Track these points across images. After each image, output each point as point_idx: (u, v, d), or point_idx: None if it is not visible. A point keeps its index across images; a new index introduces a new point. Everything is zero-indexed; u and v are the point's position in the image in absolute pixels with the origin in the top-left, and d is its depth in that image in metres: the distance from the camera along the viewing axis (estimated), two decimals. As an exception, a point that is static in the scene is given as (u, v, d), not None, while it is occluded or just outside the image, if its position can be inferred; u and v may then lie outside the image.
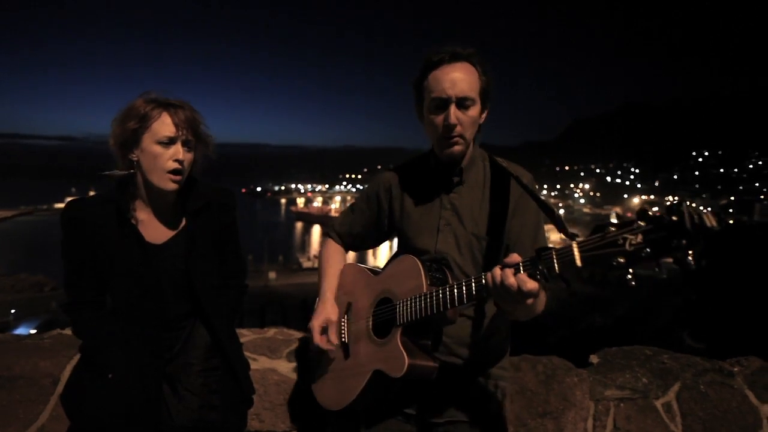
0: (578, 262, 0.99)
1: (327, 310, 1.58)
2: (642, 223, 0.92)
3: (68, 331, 2.24)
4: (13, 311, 32.32)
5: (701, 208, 0.91)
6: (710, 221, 0.87)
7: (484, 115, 1.44)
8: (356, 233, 1.71)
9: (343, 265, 1.71)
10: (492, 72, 1.40)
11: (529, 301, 1.13)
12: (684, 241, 0.88)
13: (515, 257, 1.13)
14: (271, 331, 2.43)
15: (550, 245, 1.12)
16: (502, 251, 1.44)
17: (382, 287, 1.50)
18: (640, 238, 0.92)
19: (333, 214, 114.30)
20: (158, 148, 1.35)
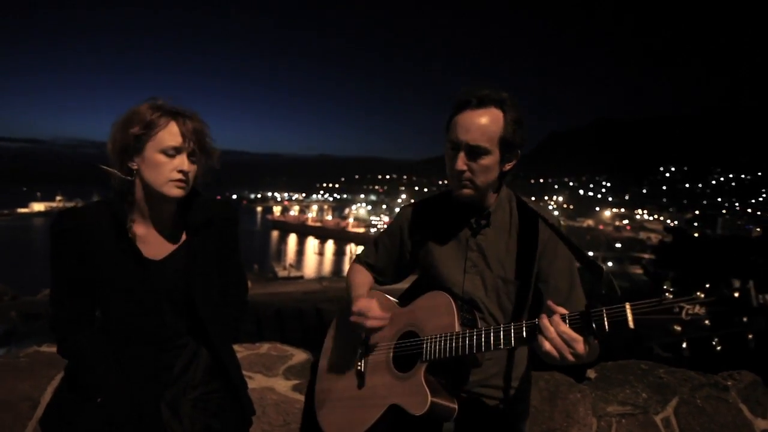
0: (630, 324, 1.00)
1: (362, 298, 1.51)
2: (701, 295, 0.94)
3: (46, 348, 2.09)
4: (-31, 322, 30.57)
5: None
6: None
7: (509, 165, 1.40)
8: (380, 268, 1.68)
9: (370, 282, 1.66)
10: (524, 120, 1.35)
11: (573, 357, 1.10)
12: (746, 319, 0.90)
13: (560, 309, 1.13)
14: (264, 347, 2.35)
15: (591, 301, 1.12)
16: (530, 295, 1.42)
17: (408, 320, 1.45)
18: (698, 309, 0.94)
19: (310, 222, 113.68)
20: (162, 158, 1.26)
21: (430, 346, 1.34)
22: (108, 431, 1.28)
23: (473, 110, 1.33)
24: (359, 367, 1.51)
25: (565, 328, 1.08)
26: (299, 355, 2.29)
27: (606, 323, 1.03)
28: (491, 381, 1.44)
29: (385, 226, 1.74)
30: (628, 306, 1.00)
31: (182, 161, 1.28)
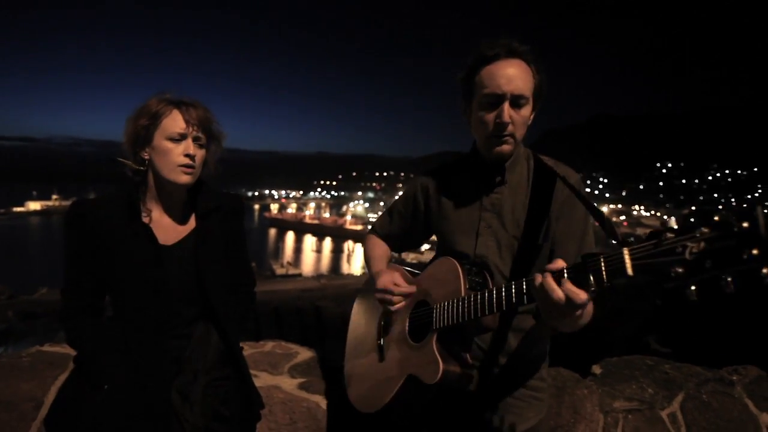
0: (629, 270, 0.89)
1: (384, 273, 1.51)
2: (706, 230, 0.80)
3: (48, 348, 2.07)
4: (-35, 321, 30.43)
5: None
6: None
7: (533, 116, 1.38)
8: (395, 236, 1.67)
9: (388, 254, 1.66)
10: (545, 72, 1.34)
11: (578, 312, 1.04)
12: (756, 252, 0.75)
13: (559, 263, 1.04)
14: (269, 345, 2.33)
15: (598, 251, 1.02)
16: (545, 256, 1.37)
17: (421, 289, 1.44)
18: (702, 245, 0.80)
19: (307, 220, 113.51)
20: (169, 144, 1.33)
21: (439, 314, 1.32)
22: (117, 419, 1.28)
23: (506, 60, 1.29)
24: (380, 341, 1.53)
25: (557, 284, 1.00)
26: (304, 353, 2.27)
27: (604, 272, 0.93)
28: (504, 348, 1.40)
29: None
30: (626, 251, 0.90)
31: (188, 146, 1.34)
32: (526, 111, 1.32)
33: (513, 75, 1.28)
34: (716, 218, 0.81)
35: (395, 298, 1.44)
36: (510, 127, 1.30)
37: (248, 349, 2.22)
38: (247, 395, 1.49)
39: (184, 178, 1.35)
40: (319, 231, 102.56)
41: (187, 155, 1.33)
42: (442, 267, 1.39)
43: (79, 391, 1.34)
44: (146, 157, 1.35)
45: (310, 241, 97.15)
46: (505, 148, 1.34)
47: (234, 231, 1.53)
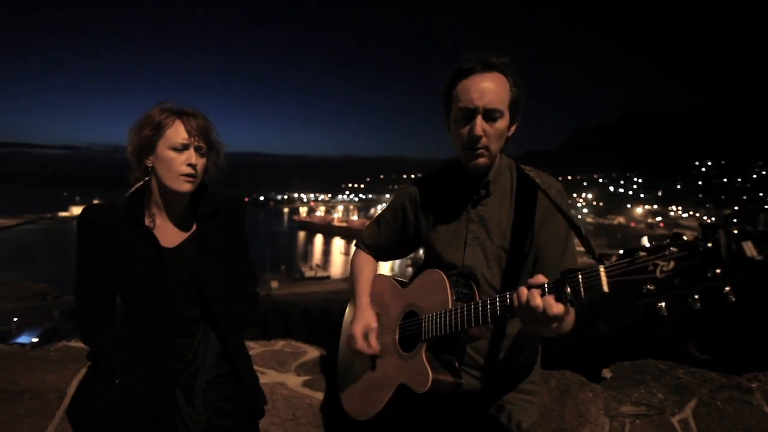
0: (605, 288, 0.94)
1: (366, 316, 1.57)
2: (675, 249, 0.84)
3: (74, 343, 2.21)
4: (15, 320, 32.31)
5: (746, 244, 0.78)
6: (751, 251, 0.77)
7: (513, 128, 1.40)
8: (383, 245, 1.70)
9: (374, 273, 1.70)
10: (524, 84, 1.36)
11: (554, 324, 1.09)
12: (719, 271, 0.78)
13: (540, 278, 1.09)
14: (279, 344, 2.40)
15: (578, 266, 1.06)
16: (530, 265, 1.40)
17: (409, 300, 1.49)
18: (672, 264, 0.84)
19: (336, 223, 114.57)
20: (172, 154, 1.39)
21: (427, 325, 1.36)
22: (127, 416, 1.36)
23: (481, 74, 1.32)
24: None
25: (539, 299, 1.05)
26: (312, 352, 2.34)
27: (582, 289, 0.98)
28: (494, 354, 1.43)
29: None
30: (602, 269, 0.94)
31: (190, 155, 1.41)
32: (501, 124, 1.33)
33: (486, 89, 1.30)
34: (685, 238, 0.85)
35: (360, 344, 1.52)
36: (483, 140, 1.32)
37: (258, 348, 2.30)
38: (248, 392, 1.54)
39: (186, 187, 1.41)
40: (348, 234, 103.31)
41: (189, 164, 1.39)
42: (430, 278, 1.42)
43: (95, 384, 1.43)
44: (150, 165, 1.41)
45: (338, 243, 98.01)
46: (480, 161, 1.36)
47: (235, 233, 1.59)
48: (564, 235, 1.39)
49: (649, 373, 2.35)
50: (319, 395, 2.05)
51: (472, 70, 1.32)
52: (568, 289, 1.01)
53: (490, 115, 1.31)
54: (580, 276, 1.00)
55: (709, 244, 0.80)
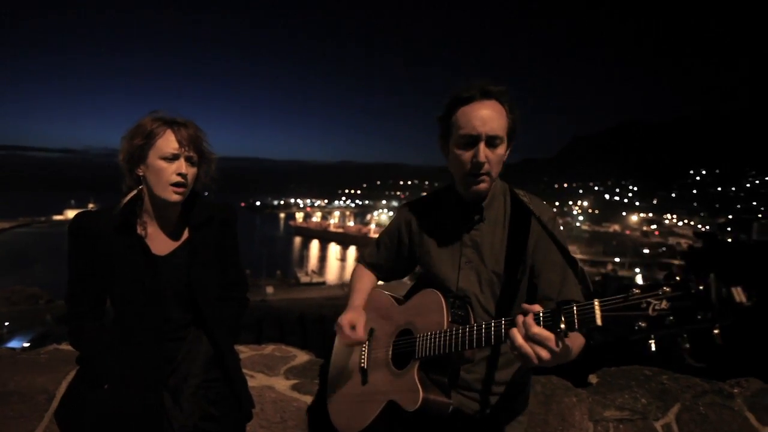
0: (598, 321, 0.97)
1: (354, 311, 1.60)
2: (667, 289, 0.88)
3: (65, 347, 2.23)
4: (6, 323, 31.97)
5: (735, 289, 0.82)
6: (740, 296, 0.81)
7: (508, 152, 1.43)
8: (382, 266, 1.74)
9: (372, 285, 1.73)
10: (518, 110, 1.39)
11: (546, 356, 1.07)
12: (710, 314, 0.83)
13: (536, 307, 1.11)
14: (269, 348, 2.43)
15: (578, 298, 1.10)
16: (524, 290, 1.42)
17: (405, 318, 1.50)
18: (664, 304, 0.88)
19: (332, 228, 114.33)
20: (162, 163, 1.40)
21: (422, 344, 1.38)
22: (115, 418, 1.38)
23: (480, 102, 1.35)
24: (362, 365, 1.58)
25: (537, 329, 1.05)
26: (302, 357, 2.36)
27: (576, 320, 1.01)
28: (485, 377, 1.45)
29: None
30: (596, 303, 0.98)
31: (180, 165, 1.42)
32: (501, 150, 1.38)
33: (487, 116, 1.34)
34: (678, 278, 0.89)
35: (342, 337, 1.55)
36: (486, 166, 1.36)
37: (249, 352, 2.32)
38: (237, 396, 1.56)
39: (175, 197, 1.42)
40: (344, 239, 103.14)
41: (179, 174, 1.41)
42: (427, 298, 1.44)
43: (84, 388, 1.45)
44: (141, 174, 1.42)
45: (334, 249, 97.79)
46: (482, 186, 1.39)
47: (226, 240, 1.60)
48: (561, 260, 1.39)
49: (634, 378, 2.38)
50: (308, 398, 2.08)
51: (472, 97, 1.35)
52: (563, 319, 1.03)
53: (492, 142, 1.35)
54: (575, 307, 1.02)
55: (701, 287, 0.84)
